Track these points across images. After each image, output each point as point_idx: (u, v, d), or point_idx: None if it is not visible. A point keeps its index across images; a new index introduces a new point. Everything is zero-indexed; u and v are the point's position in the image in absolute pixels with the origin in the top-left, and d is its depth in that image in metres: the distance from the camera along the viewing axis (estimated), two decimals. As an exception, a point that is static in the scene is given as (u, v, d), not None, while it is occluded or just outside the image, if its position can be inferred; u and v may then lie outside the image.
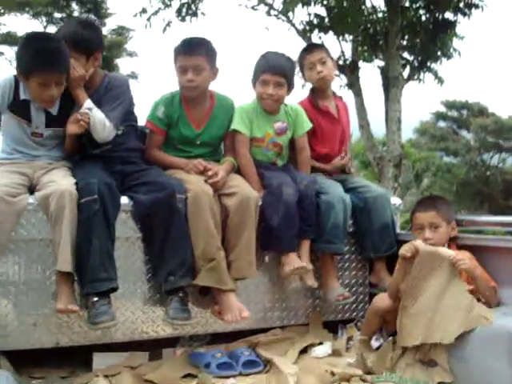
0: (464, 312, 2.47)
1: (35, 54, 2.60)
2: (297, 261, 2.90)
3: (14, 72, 2.71)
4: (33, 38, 2.71)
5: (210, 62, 3.00)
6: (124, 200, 2.72)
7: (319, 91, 3.46)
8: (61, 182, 2.57)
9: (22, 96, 2.73)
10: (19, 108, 2.74)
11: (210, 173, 2.86)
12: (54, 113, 2.77)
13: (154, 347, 2.81)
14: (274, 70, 3.08)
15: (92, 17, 2.89)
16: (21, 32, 25.00)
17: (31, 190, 2.65)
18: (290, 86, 3.16)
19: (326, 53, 3.47)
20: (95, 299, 2.51)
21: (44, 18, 25.43)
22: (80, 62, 2.76)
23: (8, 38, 24.75)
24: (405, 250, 2.67)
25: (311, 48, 3.55)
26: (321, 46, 3.62)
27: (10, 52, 25.57)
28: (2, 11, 17.94)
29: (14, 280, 2.55)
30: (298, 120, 3.26)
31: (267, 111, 3.18)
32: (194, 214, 2.70)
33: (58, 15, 25.77)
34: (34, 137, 2.79)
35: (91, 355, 2.69)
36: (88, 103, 2.75)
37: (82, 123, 2.69)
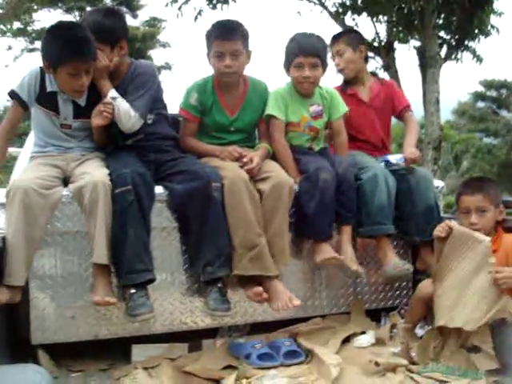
0: (489, 302, 2.39)
1: (64, 44, 2.56)
2: (328, 250, 2.82)
3: (40, 64, 2.67)
4: (58, 28, 2.66)
5: (245, 46, 2.93)
6: (159, 190, 2.68)
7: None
8: (94, 173, 2.53)
9: (49, 88, 2.70)
10: (47, 100, 2.72)
11: (244, 159, 2.79)
12: (81, 104, 2.74)
13: (193, 338, 2.78)
14: (306, 52, 2.99)
15: (116, 7, 2.83)
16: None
17: (65, 182, 2.63)
18: (324, 66, 3.08)
19: (345, 42, 3.42)
20: (133, 291, 2.48)
21: (77, 13, 25.72)
22: (104, 52, 2.72)
23: (43, 34, 25.17)
24: (439, 231, 2.59)
25: (332, 39, 3.50)
26: (338, 37, 3.51)
27: (46, 48, 26.01)
28: (35, 7, 18.17)
29: (51, 273, 2.54)
30: (334, 103, 3.17)
31: (303, 94, 3.09)
32: (231, 202, 2.64)
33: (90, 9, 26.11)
34: (63, 128, 2.76)
35: (130, 347, 2.66)
36: (112, 93, 2.70)
37: (106, 114, 2.66)
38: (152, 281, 2.55)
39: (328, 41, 3.37)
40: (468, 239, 2.50)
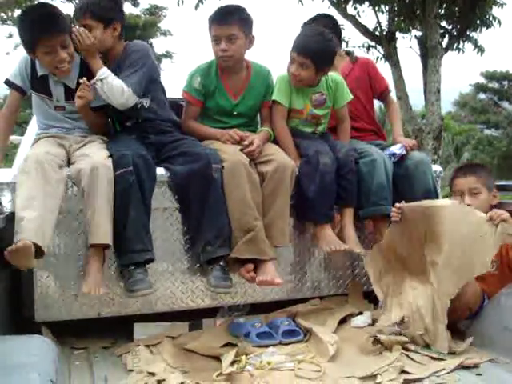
0: (488, 236, 2.41)
1: (30, 25, 2.63)
2: (332, 237, 2.86)
3: None
4: (25, 12, 2.75)
5: (244, 30, 2.93)
6: (160, 171, 2.72)
7: None
8: (93, 156, 2.57)
9: (40, 72, 2.75)
10: (39, 84, 2.77)
11: (245, 142, 2.83)
12: (72, 86, 2.77)
13: (194, 317, 2.83)
14: (299, 50, 2.97)
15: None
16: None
17: (68, 162, 2.67)
18: (320, 67, 3.00)
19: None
20: (132, 268, 2.53)
21: (78, 1, 25.65)
22: (97, 30, 2.76)
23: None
24: (393, 216, 2.67)
25: None
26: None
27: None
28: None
29: (54, 252, 2.58)
30: (339, 90, 3.19)
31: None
32: (230, 185, 2.68)
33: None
34: (57, 111, 2.81)
35: (132, 325, 2.71)
36: (103, 72, 2.72)
37: (80, 94, 2.68)
38: (151, 260, 2.60)
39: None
40: (463, 213, 2.50)
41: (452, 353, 2.40)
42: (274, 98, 3.05)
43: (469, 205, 2.65)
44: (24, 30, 2.65)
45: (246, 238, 2.66)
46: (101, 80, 2.70)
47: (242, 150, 2.80)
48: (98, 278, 2.48)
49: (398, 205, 2.67)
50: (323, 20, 3.47)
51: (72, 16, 2.89)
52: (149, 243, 2.58)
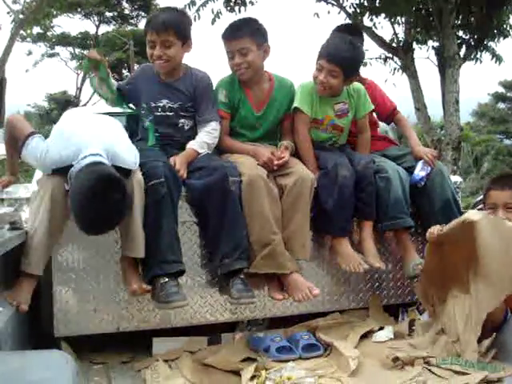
0: None
1: None
2: (350, 252, 2.84)
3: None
4: None
5: (256, 41, 2.93)
6: (179, 184, 2.71)
7: None
8: None
9: None
10: None
11: (279, 162, 2.82)
12: None
13: (212, 332, 2.81)
14: (329, 58, 2.94)
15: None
16: (74, 32, 25.72)
17: None
18: (348, 75, 2.99)
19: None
20: (165, 280, 2.50)
21: (96, 18, 26.02)
22: (177, 47, 2.82)
23: (62, 39, 25.51)
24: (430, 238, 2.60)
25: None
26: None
27: (65, 53, 26.36)
28: (55, 13, 18.42)
29: (73, 267, 2.59)
30: (360, 100, 3.16)
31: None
32: (249, 199, 2.66)
33: (109, 14, 26.35)
34: None
35: (151, 340, 2.70)
36: (201, 150, 2.85)
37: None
38: (183, 272, 2.59)
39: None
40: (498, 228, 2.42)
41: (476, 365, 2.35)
42: (297, 105, 3.02)
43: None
44: None
45: (263, 252, 2.65)
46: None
47: (258, 164, 2.80)
48: (140, 279, 2.53)
49: (434, 230, 2.61)
50: (350, 30, 3.47)
51: (146, 26, 2.90)
52: (180, 254, 2.58)
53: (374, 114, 3.45)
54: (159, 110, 2.90)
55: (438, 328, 2.59)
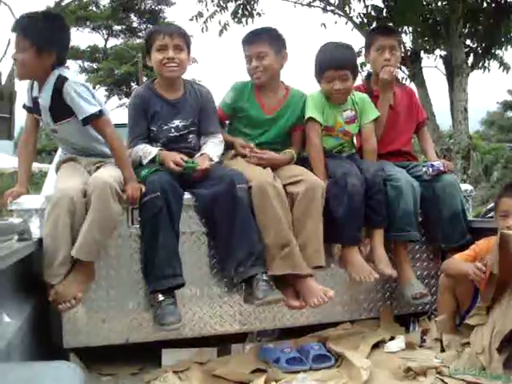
0: None
1: None
2: (360, 263, 2.83)
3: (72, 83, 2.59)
4: None
5: (274, 47, 3.01)
6: (187, 195, 2.71)
7: (375, 76, 3.34)
8: (99, 175, 2.48)
9: (34, 93, 2.69)
10: (37, 107, 2.70)
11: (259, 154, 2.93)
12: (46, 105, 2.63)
13: (222, 343, 2.79)
14: (337, 66, 3.00)
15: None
16: (83, 46, 25.94)
17: None
18: (355, 75, 3.10)
19: (398, 41, 3.41)
20: (161, 298, 2.51)
21: (104, 31, 26.25)
22: (186, 53, 2.90)
23: (72, 52, 25.73)
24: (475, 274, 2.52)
25: (387, 31, 3.41)
26: (395, 32, 3.52)
27: (75, 66, 26.56)
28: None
29: (82, 278, 2.57)
30: (365, 108, 3.19)
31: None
32: (260, 203, 2.65)
33: (117, 27, 26.58)
34: (54, 133, 2.76)
35: (160, 352, 2.68)
36: (212, 157, 2.87)
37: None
38: (181, 285, 2.58)
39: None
40: None
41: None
42: (310, 115, 3.04)
43: None
44: None
45: (282, 253, 2.62)
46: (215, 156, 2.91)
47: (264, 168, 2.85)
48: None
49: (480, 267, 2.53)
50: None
51: (153, 34, 2.92)
52: (179, 268, 2.57)
53: None
54: (172, 130, 2.90)
55: (462, 341, 2.56)
